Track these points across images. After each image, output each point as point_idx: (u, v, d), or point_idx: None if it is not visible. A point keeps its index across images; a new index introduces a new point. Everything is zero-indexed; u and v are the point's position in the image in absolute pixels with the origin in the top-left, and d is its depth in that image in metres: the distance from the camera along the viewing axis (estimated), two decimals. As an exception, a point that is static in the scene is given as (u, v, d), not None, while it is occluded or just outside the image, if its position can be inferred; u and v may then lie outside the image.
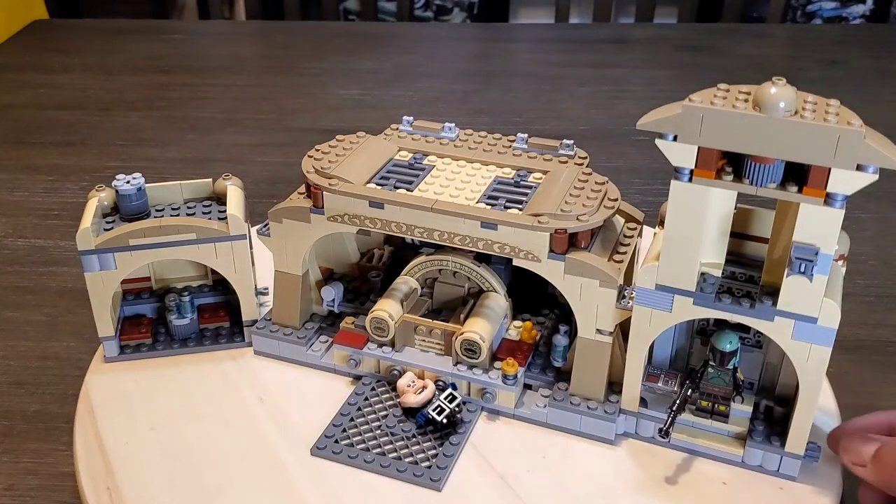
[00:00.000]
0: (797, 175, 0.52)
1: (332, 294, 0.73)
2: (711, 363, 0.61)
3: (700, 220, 0.56)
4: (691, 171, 0.54)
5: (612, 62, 1.57)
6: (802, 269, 0.53)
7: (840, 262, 0.59)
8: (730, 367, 0.61)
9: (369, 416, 0.66)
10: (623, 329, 0.64)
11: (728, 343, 0.60)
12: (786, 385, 0.63)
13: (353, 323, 0.72)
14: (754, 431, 0.62)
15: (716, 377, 0.61)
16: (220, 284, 0.77)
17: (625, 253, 0.65)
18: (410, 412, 0.66)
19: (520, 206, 0.65)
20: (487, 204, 0.66)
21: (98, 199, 0.72)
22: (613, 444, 0.65)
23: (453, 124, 0.76)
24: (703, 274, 0.59)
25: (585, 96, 1.42)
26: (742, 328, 0.61)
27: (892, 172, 0.50)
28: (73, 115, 1.36)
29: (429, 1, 2.46)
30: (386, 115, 1.34)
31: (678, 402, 0.60)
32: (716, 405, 0.63)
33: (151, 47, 1.65)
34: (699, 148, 0.53)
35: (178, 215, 0.73)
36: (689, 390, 0.61)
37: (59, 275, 0.95)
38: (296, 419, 0.67)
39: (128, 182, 0.71)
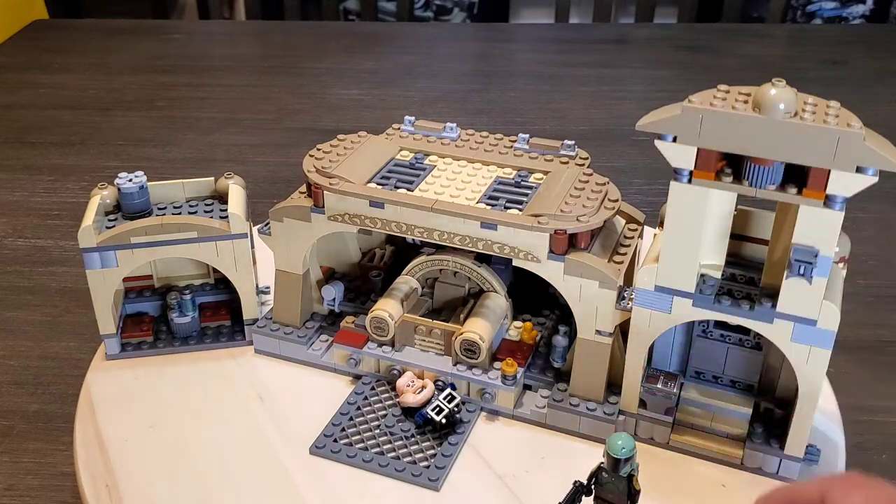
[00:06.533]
0: (797, 177, 0.52)
1: (332, 293, 0.73)
2: (604, 467, 0.54)
3: (699, 222, 0.56)
4: (691, 173, 0.54)
5: (612, 62, 1.58)
6: (802, 272, 0.53)
7: (840, 264, 0.59)
8: (622, 474, 0.53)
9: (368, 416, 0.67)
10: (623, 330, 0.64)
11: (621, 448, 0.52)
12: (786, 387, 0.63)
13: (353, 322, 0.72)
14: (754, 434, 0.62)
15: (609, 483, 0.54)
16: (222, 283, 0.77)
17: (625, 254, 0.65)
18: (409, 412, 0.66)
19: (520, 207, 0.65)
20: (488, 204, 0.66)
21: (100, 197, 0.72)
22: (613, 444, 0.65)
23: (455, 124, 0.76)
24: (702, 275, 0.59)
25: (585, 96, 1.42)
26: (742, 330, 0.61)
27: (892, 172, 0.50)
28: (73, 115, 1.36)
29: (429, 1, 2.46)
30: (386, 115, 1.34)
31: None
32: None
33: (151, 47, 1.65)
34: (698, 149, 0.53)
35: (179, 214, 0.73)
36: (581, 495, 0.55)
37: (59, 275, 0.95)
38: (295, 418, 0.67)
39: (130, 180, 0.71)
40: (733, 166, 0.54)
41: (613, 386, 0.66)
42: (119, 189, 0.72)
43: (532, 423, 0.67)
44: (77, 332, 0.85)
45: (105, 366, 0.73)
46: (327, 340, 0.73)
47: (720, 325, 0.62)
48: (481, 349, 0.66)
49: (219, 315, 0.77)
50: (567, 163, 0.71)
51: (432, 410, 0.64)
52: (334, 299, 0.74)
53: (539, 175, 0.70)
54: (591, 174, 0.68)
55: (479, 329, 0.66)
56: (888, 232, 1.03)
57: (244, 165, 1.19)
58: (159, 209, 0.74)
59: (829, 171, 0.50)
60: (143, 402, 0.69)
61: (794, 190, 0.52)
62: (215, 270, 0.75)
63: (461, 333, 0.66)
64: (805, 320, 0.56)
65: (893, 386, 0.79)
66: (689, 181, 0.54)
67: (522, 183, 0.69)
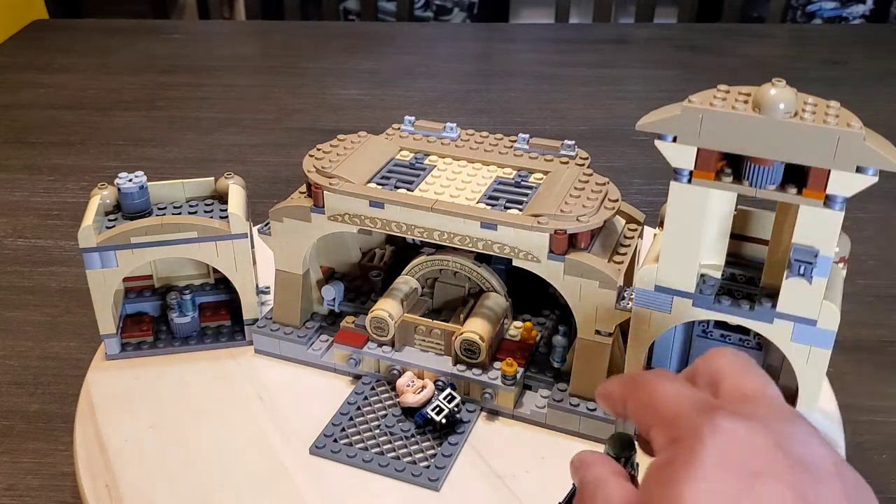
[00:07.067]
0: (797, 177, 0.52)
1: (332, 293, 0.73)
2: None
3: (699, 222, 0.56)
4: (691, 173, 0.54)
5: (612, 62, 1.58)
6: (802, 272, 0.53)
7: (840, 264, 0.59)
8: None
9: (368, 416, 0.67)
10: (623, 330, 0.64)
11: (621, 448, 0.49)
12: (786, 387, 0.63)
13: (353, 322, 0.72)
14: (753, 432, 0.62)
15: None
16: (222, 283, 0.77)
17: (625, 254, 0.65)
18: (409, 412, 0.66)
19: (520, 207, 0.65)
20: (488, 204, 0.66)
21: (100, 197, 0.72)
22: (613, 444, 0.65)
23: (455, 124, 0.76)
24: (702, 275, 0.59)
25: (585, 96, 1.42)
26: (742, 330, 0.61)
27: (892, 172, 0.50)
28: (73, 115, 1.36)
29: (429, 1, 2.46)
30: (386, 115, 1.34)
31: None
32: None
33: (151, 47, 1.65)
34: (698, 149, 0.53)
35: (179, 214, 0.73)
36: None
37: (59, 275, 0.95)
38: (295, 418, 0.67)
39: (130, 180, 0.71)
40: (733, 166, 0.54)
41: (613, 386, 0.66)
42: (119, 189, 0.72)
43: (532, 423, 0.67)
44: (77, 332, 0.85)
45: (105, 366, 0.73)
46: (327, 340, 0.73)
47: (720, 325, 0.62)
48: (481, 349, 0.66)
49: (219, 315, 0.77)
50: (567, 163, 0.71)
51: (432, 410, 0.64)
52: (334, 299, 0.74)
53: (539, 175, 0.70)
54: (591, 174, 0.68)
55: (479, 329, 0.66)
56: (888, 232, 1.03)
57: (244, 165, 1.19)
58: (159, 209, 0.74)
59: (829, 171, 0.50)
60: (143, 402, 0.69)
61: (794, 190, 0.52)
62: (215, 270, 0.75)
63: (461, 333, 0.66)
64: (805, 320, 0.56)
65: (893, 386, 0.79)
66: (689, 181, 0.54)
67: (522, 183, 0.69)
